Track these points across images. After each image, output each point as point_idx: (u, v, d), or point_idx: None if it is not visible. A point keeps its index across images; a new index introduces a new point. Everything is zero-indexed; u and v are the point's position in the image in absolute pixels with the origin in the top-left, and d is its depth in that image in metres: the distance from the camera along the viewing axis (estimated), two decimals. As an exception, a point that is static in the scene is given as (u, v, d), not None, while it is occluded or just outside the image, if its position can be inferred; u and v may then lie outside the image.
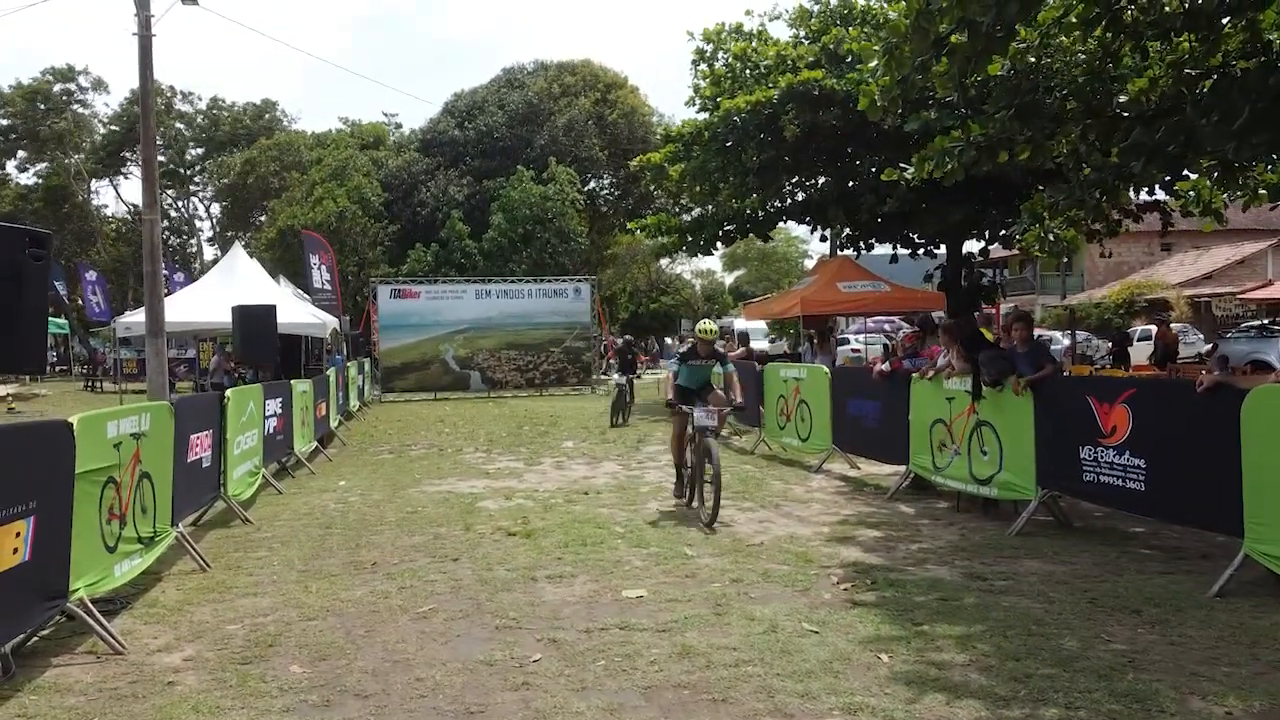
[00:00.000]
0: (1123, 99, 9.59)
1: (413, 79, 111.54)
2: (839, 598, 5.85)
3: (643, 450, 13.84)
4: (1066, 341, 29.15)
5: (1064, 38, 9.63)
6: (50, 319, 18.09)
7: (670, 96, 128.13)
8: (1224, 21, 8.33)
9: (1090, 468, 7.05)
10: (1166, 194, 13.55)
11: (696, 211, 24.82)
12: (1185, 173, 11.68)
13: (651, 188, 29.61)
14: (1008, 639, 4.94)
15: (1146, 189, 12.31)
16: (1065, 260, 33.12)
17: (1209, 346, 23.92)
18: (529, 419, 19.39)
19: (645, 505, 9.26)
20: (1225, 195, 11.48)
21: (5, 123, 54.34)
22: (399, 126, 53.94)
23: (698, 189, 21.70)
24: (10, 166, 56.72)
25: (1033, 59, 9.44)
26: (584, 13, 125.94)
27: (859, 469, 11.11)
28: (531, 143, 42.36)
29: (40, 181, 55.58)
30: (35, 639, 5.16)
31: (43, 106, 54.21)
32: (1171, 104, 8.93)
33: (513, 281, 29.30)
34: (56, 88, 55.30)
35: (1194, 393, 6.15)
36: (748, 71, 20.64)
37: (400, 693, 4.41)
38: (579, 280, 29.70)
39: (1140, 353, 25.05)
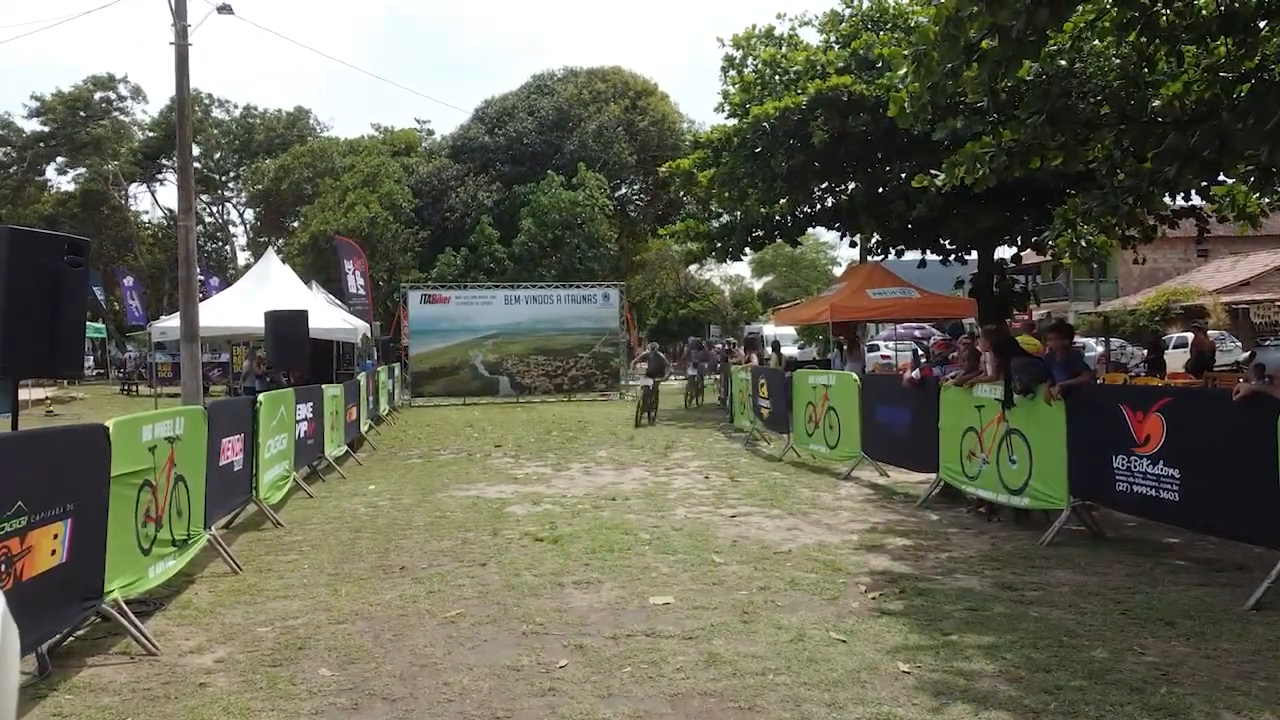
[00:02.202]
0: (1157, 104, 9.48)
1: (443, 85, 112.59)
2: (867, 606, 5.81)
3: (670, 456, 13.83)
4: (1100, 349, 28.80)
5: (1097, 42, 9.54)
6: (88, 323, 18.38)
7: (700, 103, 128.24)
8: (1261, 25, 8.23)
9: (1123, 477, 6.96)
10: (1203, 199, 13.40)
11: (725, 217, 24.83)
12: (1221, 177, 11.54)
13: (681, 193, 29.64)
14: (1038, 650, 4.89)
15: (1182, 194, 12.17)
16: (1098, 266, 32.79)
17: (1246, 354, 23.54)
18: (557, 424, 19.44)
19: (673, 512, 9.25)
20: (1263, 200, 11.33)
21: (46, 129, 55.37)
22: (431, 133, 54.41)
23: (726, 195, 21.71)
24: (50, 171, 57.89)
25: (1064, 63, 9.36)
26: (613, 20, 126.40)
27: (888, 476, 11.04)
28: (561, 149, 42.54)
29: (79, 186, 56.56)
30: (71, 639, 5.24)
31: (83, 114, 55.20)
32: (1207, 109, 8.82)
33: (542, 287, 29.43)
34: (97, 95, 56.30)
35: (1230, 402, 6.06)
36: (777, 77, 20.62)
37: (428, 697, 4.44)
38: (608, 286, 29.79)
39: (1176, 360, 24.70)
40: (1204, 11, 8.22)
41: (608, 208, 40.95)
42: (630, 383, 27.73)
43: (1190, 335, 24.20)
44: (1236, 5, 7.91)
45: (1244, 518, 5.96)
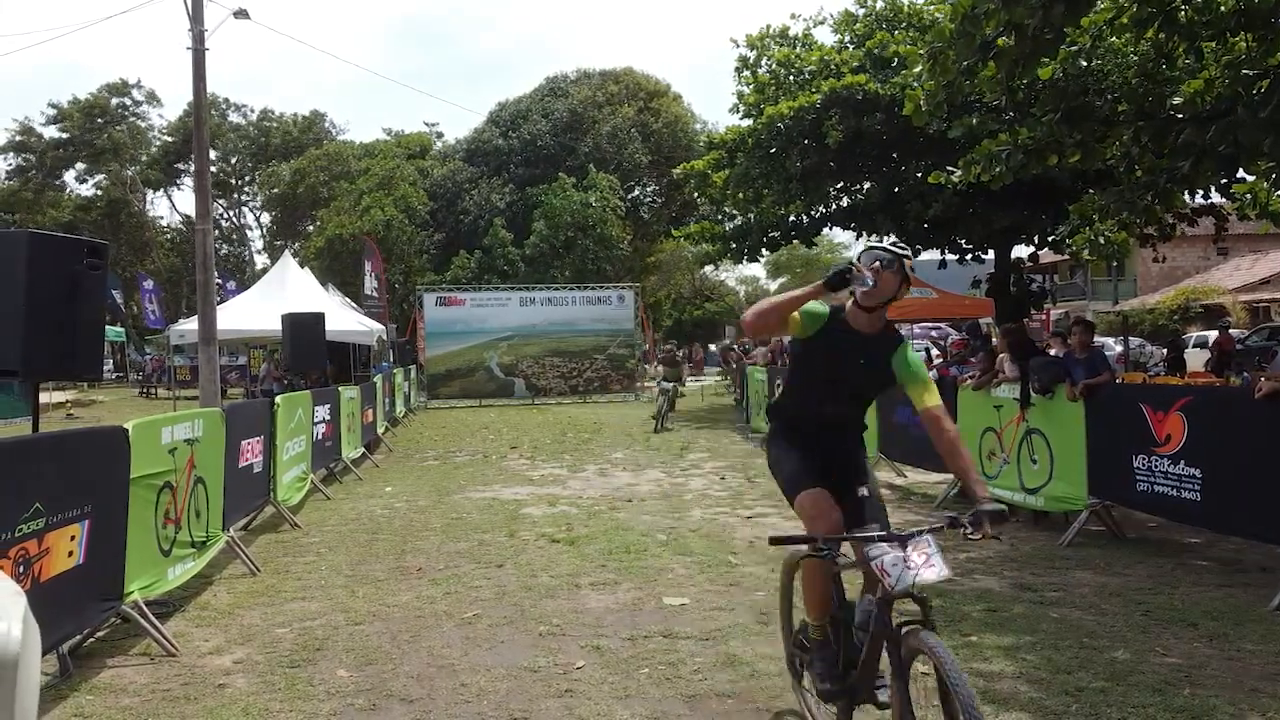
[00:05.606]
0: (1178, 101, 9.40)
1: (452, 88, 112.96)
2: (885, 607, 5.77)
3: (687, 458, 13.81)
4: (1119, 348, 28.60)
5: (1116, 39, 9.47)
6: (108, 326, 18.51)
7: (713, 104, 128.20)
8: (1282, 20, 8.13)
9: (1144, 477, 6.90)
10: (1223, 196, 13.30)
11: (740, 219, 24.80)
12: (1242, 174, 11.43)
13: (695, 195, 29.63)
14: (1058, 651, 4.85)
15: (1201, 192, 12.05)
16: (1116, 264, 32.57)
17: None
18: (572, 426, 19.45)
19: (689, 513, 9.23)
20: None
21: (64, 136, 55.84)
22: (440, 135, 54.62)
23: (741, 196, 21.67)
24: (69, 178, 58.37)
25: (1084, 62, 9.29)
26: (625, 21, 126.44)
27: (905, 477, 10.99)
28: (576, 150, 42.57)
29: (99, 193, 56.99)
30: (91, 640, 5.27)
31: (99, 120, 55.63)
32: (1227, 105, 8.74)
33: (556, 289, 29.46)
34: (113, 101, 56.74)
35: (1252, 400, 6.00)
36: (791, 77, 20.57)
37: (445, 698, 4.44)
38: (622, 287, 29.78)
39: (1196, 359, 24.51)
40: (1223, 8, 8.14)
41: (619, 209, 40.89)
42: (649, 384, 27.76)
43: (1211, 334, 24.01)
44: (1256, 1, 7.84)
45: (1267, 517, 5.90)
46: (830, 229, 25.03)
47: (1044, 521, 8.28)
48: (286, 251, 30.79)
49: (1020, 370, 8.32)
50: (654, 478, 11.78)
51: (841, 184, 22.25)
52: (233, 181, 60.22)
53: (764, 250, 24.70)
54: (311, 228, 52.14)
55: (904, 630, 3.15)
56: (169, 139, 57.49)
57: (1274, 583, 5.84)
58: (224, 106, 58.68)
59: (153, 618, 5.21)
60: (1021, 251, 22.72)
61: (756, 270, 72.31)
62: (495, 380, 27.67)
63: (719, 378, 36.41)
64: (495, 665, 4.87)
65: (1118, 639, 5.04)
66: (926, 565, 3.14)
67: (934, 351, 22.09)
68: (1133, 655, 4.78)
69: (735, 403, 23.45)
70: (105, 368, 39.63)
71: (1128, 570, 6.59)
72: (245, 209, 63.37)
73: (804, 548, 3.54)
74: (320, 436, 10.99)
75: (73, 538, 4.56)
